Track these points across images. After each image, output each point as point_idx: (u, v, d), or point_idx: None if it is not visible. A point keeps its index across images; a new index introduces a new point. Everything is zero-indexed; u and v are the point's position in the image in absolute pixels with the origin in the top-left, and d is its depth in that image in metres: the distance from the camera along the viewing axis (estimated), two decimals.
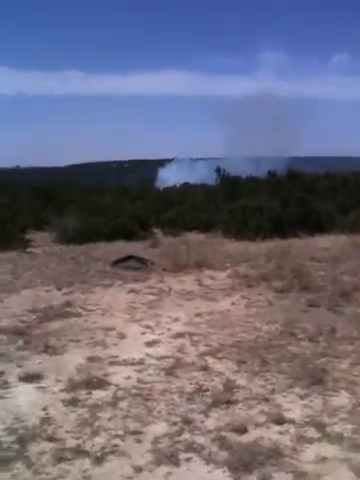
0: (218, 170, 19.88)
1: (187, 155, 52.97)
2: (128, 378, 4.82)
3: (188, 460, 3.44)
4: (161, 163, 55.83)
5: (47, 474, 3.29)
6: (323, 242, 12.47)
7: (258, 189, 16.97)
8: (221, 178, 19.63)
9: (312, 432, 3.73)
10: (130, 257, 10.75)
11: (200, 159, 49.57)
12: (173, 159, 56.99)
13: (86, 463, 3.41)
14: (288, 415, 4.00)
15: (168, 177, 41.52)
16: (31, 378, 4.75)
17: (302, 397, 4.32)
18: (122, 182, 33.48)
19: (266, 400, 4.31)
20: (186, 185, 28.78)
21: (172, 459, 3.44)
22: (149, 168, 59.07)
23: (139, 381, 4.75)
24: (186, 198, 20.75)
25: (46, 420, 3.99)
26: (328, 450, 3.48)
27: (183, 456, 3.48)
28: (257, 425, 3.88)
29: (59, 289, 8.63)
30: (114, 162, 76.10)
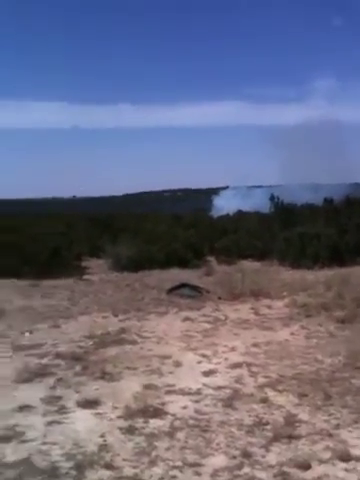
0: (272, 198, 19.71)
1: (242, 183, 52.80)
2: (185, 408, 4.72)
3: None
4: (215, 191, 56.04)
5: None
6: None
7: (314, 216, 16.60)
8: (275, 205, 19.42)
9: None
10: (184, 285, 10.73)
11: (256, 187, 49.27)
12: (227, 187, 57.13)
13: None
14: (355, 452, 3.75)
15: (223, 205, 41.54)
16: (89, 404, 4.76)
17: None
18: (175, 210, 33.90)
19: (330, 435, 4.07)
20: (240, 213, 28.67)
21: None
22: (202, 197, 59.57)
23: (196, 411, 4.64)
24: (240, 226, 20.63)
25: (104, 447, 3.96)
26: None
27: None
28: (321, 461, 3.65)
29: (115, 316, 8.72)
30: (167, 191, 77.41)
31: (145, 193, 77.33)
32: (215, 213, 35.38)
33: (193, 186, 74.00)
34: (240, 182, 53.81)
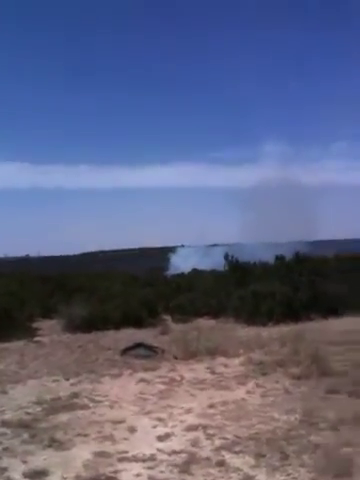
0: (226, 256, 20.07)
1: (200, 242, 53.55)
2: (139, 475, 4.50)
3: None
4: (171, 250, 56.49)
5: None
6: (338, 325, 12.20)
7: (268, 274, 16.97)
8: (229, 264, 19.75)
9: None
10: (140, 345, 10.51)
11: (214, 245, 50.08)
12: (183, 246, 57.78)
13: None
14: None
15: (180, 263, 41.76)
16: (36, 475, 4.45)
17: None
18: (132, 269, 33.75)
19: None
20: (195, 271, 28.90)
21: None
22: (158, 255, 59.89)
23: (150, 479, 4.42)
24: (196, 284, 20.73)
25: None
26: None
27: None
28: None
29: (66, 379, 8.36)
30: (123, 250, 77.36)
31: (101, 252, 76.87)
32: (172, 271, 35.51)
33: (149, 245, 74.39)
34: (197, 241, 54.66)
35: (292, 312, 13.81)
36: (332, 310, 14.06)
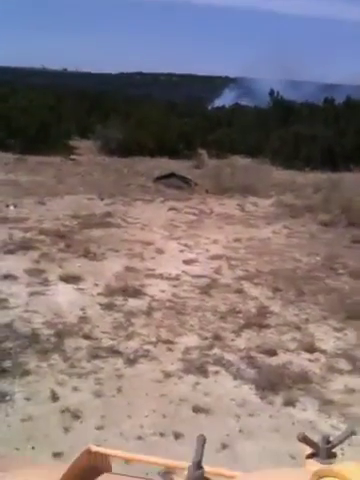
0: (271, 93, 18.81)
1: (247, 75, 49.78)
2: (163, 291, 4.90)
3: (216, 373, 3.54)
4: (213, 80, 53.24)
5: (82, 368, 3.46)
6: None
7: (314, 116, 16.00)
8: (274, 101, 18.61)
9: (343, 364, 3.74)
10: (173, 175, 10.59)
11: (258, 80, 46.78)
12: (227, 77, 54.14)
13: (119, 363, 3.56)
14: (320, 345, 4.01)
15: (224, 97, 39.70)
16: (71, 279, 4.90)
17: (336, 330, 4.29)
18: (170, 97, 32.33)
19: (299, 328, 4.31)
20: (237, 106, 27.52)
21: (201, 370, 3.54)
22: (198, 85, 56.73)
23: (174, 295, 4.82)
24: (236, 120, 19.92)
25: (83, 319, 4.15)
26: (357, 383, 3.48)
27: (212, 369, 3.57)
28: (288, 350, 3.91)
29: (101, 199, 8.68)
30: (163, 74, 73.18)
31: (139, 74, 73.11)
32: (213, 105, 33.95)
33: (191, 71, 69.93)
34: (242, 73, 50.91)
35: (332, 160, 13.37)
36: None
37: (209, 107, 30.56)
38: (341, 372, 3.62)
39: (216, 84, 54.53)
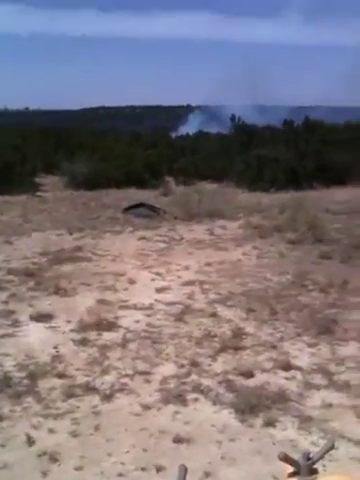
0: (233, 118, 19.32)
1: (211, 102, 50.86)
2: (137, 321, 4.86)
3: (195, 400, 3.50)
4: (176, 110, 54.31)
5: (57, 409, 3.37)
6: (340, 194, 12.23)
7: (275, 139, 16.46)
8: (235, 127, 19.10)
9: (319, 379, 3.76)
10: (141, 204, 10.66)
11: (221, 107, 47.96)
12: (188, 106, 55.32)
13: (95, 400, 3.49)
14: (295, 362, 4.03)
15: (188, 125, 40.47)
16: (42, 318, 4.82)
17: (310, 345, 4.33)
18: (134, 128, 32.77)
19: (274, 347, 4.33)
20: (200, 133, 28.10)
21: (180, 399, 3.50)
22: (162, 115, 57.76)
23: (148, 325, 4.79)
24: (200, 147, 20.32)
25: (57, 358, 4.06)
26: (334, 397, 3.51)
27: (190, 396, 3.54)
28: (264, 370, 3.91)
29: (70, 233, 8.63)
30: (127, 107, 74.28)
31: (103, 108, 74.04)
32: (177, 133, 34.56)
33: (154, 103, 71.36)
34: (209, 102, 52.08)
35: (295, 180, 13.72)
36: (337, 180, 13.95)
37: (173, 136, 31.08)
38: (318, 387, 3.64)
39: (179, 113, 55.66)
